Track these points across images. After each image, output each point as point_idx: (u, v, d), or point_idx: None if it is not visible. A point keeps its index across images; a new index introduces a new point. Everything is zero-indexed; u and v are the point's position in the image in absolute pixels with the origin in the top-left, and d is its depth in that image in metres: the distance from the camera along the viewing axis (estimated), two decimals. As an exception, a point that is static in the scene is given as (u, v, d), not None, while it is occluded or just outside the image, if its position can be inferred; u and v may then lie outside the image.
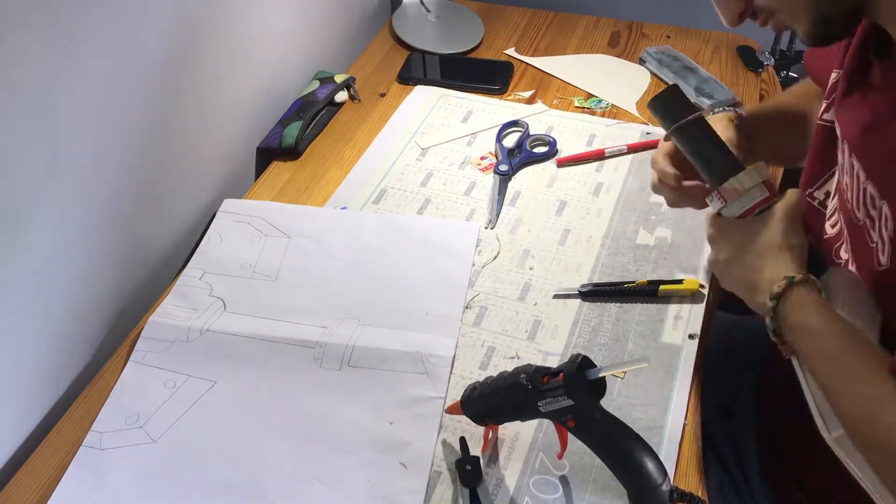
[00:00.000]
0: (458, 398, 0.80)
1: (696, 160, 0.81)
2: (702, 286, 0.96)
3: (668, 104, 0.82)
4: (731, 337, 1.07)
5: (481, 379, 0.80)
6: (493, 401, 0.77)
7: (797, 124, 0.97)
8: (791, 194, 0.78)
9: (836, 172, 0.83)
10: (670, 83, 0.80)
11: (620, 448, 0.73)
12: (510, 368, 0.77)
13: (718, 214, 0.80)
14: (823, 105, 0.85)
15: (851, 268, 0.80)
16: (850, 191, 0.77)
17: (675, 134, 0.81)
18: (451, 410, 0.81)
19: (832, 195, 0.85)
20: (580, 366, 0.72)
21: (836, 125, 0.80)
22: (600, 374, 0.72)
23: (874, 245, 0.74)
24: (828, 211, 0.86)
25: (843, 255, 0.81)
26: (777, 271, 0.73)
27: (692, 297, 0.95)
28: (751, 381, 1.02)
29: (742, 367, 1.03)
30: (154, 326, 0.92)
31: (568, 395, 0.72)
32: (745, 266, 0.77)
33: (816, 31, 0.72)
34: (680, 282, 0.96)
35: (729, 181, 0.77)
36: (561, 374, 0.72)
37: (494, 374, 0.78)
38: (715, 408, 0.97)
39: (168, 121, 1.00)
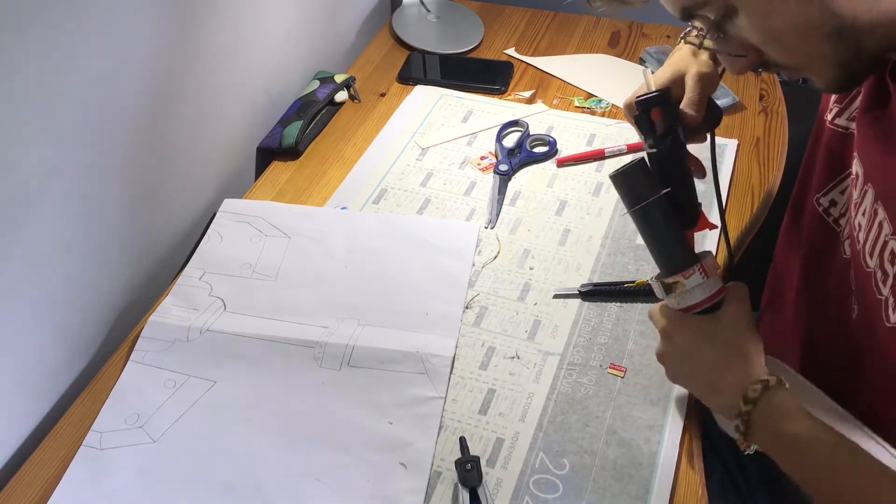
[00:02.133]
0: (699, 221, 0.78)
1: (656, 243, 0.77)
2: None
3: (633, 181, 0.75)
4: None
5: (480, 378, 0.78)
6: (677, 183, 0.76)
7: None
8: (737, 289, 0.76)
9: (850, 190, 0.80)
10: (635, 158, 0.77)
11: None
12: (510, 369, 0.76)
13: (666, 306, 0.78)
14: (835, 110, 0.83)
15: (856, 302, 0.78)
16: (865, 233, 0.74)
17: (637, 215, 0.76)
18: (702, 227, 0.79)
19: (844, 209, 0.82)
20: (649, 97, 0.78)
21: (859, 162, 0.76)
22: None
23: (882, 298, 0.72)
24: (843, 230, 0.83)
25: (854, 282, 0.79)
26: (747, 373, 0.71)
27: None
28: None
29: None
30: (154, 326, 0.92)
31: (671, 109, 0.79)
32: (705, 363, 0.75)
33: (841, 84, 0.70)
34: None
35: (692, 268, 0.74)
36: (654, 112, 0.77)
37: (657, 196, 0.74)
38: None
39: (168, 121, 1.00)
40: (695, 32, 0.74)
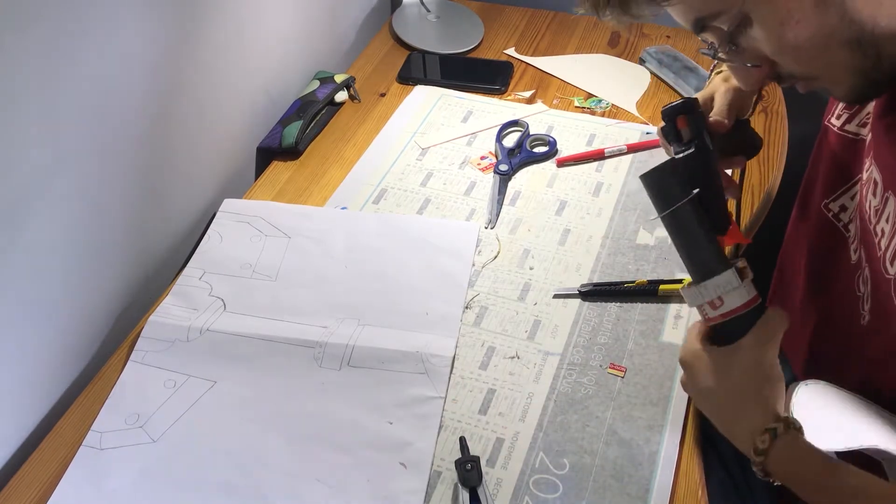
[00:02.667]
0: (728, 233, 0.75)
1: (692, 244, 0.73)
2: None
3: (664, 181, 0.73)
4: None
5: (480, 378, 0.78)
6: (710, 184, 0.73)
7: None
8: (771, 314, 0.71)
9: (859, 195, 0.79)
10: (669, 154, 0.76)
11: None
12: (510, 369, 0.75)
13: (702, 338, 0.74)
14: (844, 116, 0.82)
15: (866, 308, 0.77)
16: (888, 240, 0.73)
17: (670, 217, 0.72)
18: (733, 239, 0.75)
19: (851, 212, 0.82)
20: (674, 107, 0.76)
21: (876, 168, 0.75)
22: None
23: None
24: (851, 234, 0.82)
25: (863, 287, 0.79)
26: (757, 419, 0.69)
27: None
28: None
29: None
30: (154, 326, 0.92)
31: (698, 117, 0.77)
32: (720, 400, 0.73)
33: (860, 94, 0.69)
34: (680, 281, 0.96)
35: (720, 275, 0.70)
36: (680, 120, 0.76)
37: (684, 204, 0.72)
38: None
39: (168, 121, 1.00)
40: (716, 63, 0.72)
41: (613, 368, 0.88)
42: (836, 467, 0.66)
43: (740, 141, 0.86)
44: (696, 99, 0.80)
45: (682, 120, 0.76)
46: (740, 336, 0.71)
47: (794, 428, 0.68)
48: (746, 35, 0.67)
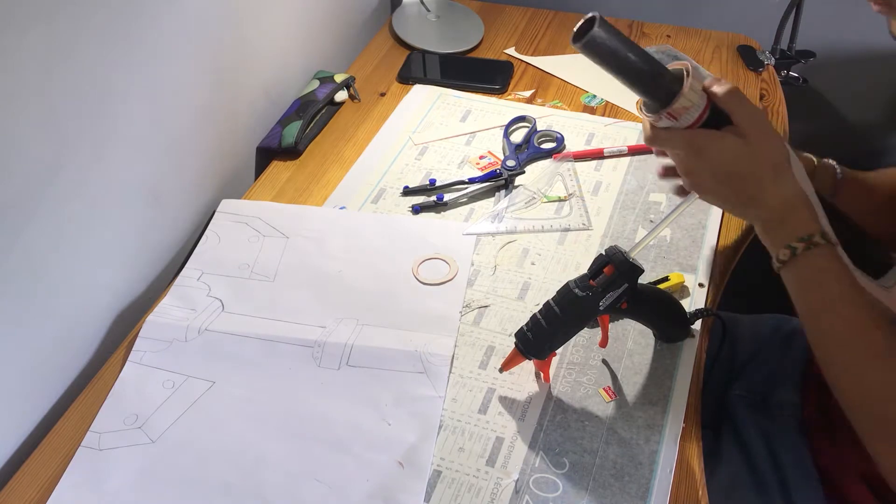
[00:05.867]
0: (511, 350, 0.83)
1: (622, 76, 0.75)
2: (701, 284, 0.96)
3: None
4: (782, 329, 1.06)
5: (480, 377, 0.79)
6: (556, 328, 0.81)
7: None
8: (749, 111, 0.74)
9: None
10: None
11: (659, 300, 0.84)
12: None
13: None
14: None
15: None
16: None
17: (586, 49, 0.72)
18: (507, 366, 0.84)
19: None
20: (621, 253, 0.79)
21: None
22: (640, 247, 0.84)
23: None
24: None
25: None
26: (794, 197, 0.72)
27: (689, 293, 0.95)
28: (795, 375, 0.99)
29: (784, 357, 1.00)
30: (152, 326, 0.92)
31: (623, 281, 0.79)
32: (743, 176, 0.74)
33: None
34: (666, 279, 0.95)
35: (678, 101, 0.74)
36: (608, 268, 0.79)
37: (537, 313, 0.82)
38: (745, 399, 0.96)
39: (167, 120, 1.00)
40: None
41: (604, 391, 0.86)
42: (862, 291, 0.69)
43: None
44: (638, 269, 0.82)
45: (609, 267, 0.81)
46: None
47: (829, 244, 0.71)
48: None
